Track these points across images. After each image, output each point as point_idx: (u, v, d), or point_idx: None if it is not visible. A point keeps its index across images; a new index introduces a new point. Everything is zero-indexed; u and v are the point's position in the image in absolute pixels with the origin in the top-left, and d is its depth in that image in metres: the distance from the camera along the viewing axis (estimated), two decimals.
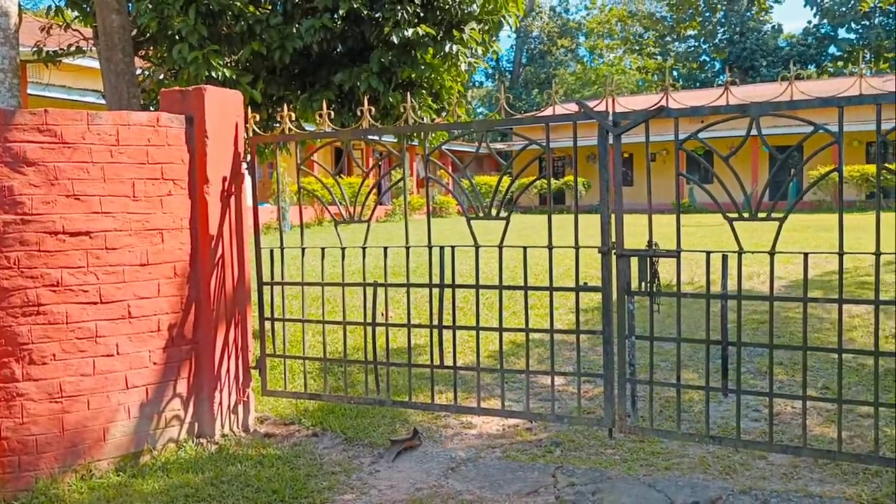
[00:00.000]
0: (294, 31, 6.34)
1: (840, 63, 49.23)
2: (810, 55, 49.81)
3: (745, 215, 3.58)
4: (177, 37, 6.22)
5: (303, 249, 4.68)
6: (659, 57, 54.91)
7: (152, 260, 4.19)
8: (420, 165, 21.74)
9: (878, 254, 3.34)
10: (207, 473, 3.97)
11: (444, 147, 4.85)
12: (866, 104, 3.34)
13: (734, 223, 3.60)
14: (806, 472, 3.80)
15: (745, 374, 5.56)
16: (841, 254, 3.40)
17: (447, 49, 6.18)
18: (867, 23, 49.44)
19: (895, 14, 48.01)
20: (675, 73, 54.96)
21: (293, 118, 4.71)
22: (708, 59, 54.22)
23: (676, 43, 55.47)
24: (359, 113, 4.50)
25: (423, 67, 6.13)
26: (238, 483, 3.83)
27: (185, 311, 4.36)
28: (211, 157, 4.42)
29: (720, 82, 50.74)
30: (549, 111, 4.58)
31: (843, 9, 47.26)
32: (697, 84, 49.98)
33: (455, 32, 6.23)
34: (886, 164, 3.57)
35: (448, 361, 4.50)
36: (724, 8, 52.11)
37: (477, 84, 56.27)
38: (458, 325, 4.33)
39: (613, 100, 3.97)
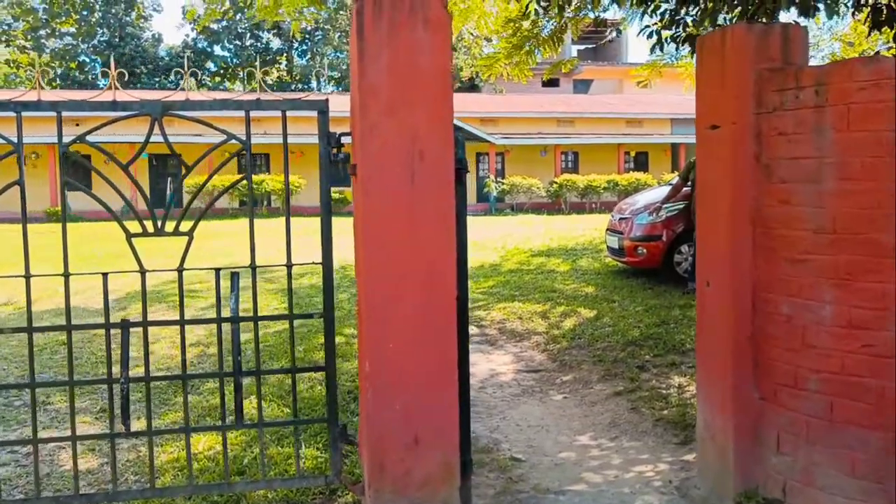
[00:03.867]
0: None
1: (218, 78, 52.55)
2: (191, 68, 51.83)
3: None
4: None
5: None
6: (32, 51, 50.32)
7: None
8: None
9: (66, 275, 3.32)
10: None
11: None
12: (45, 111, 3.21)
13: None
14: None
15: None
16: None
17: None
18: (240, 43, 53.77)
19: (260, 38, 53.41)
20: (53, 70, 51.16)
21: None
22: (88, 59, 51.98)
23: (53, 39, 51.63)
24: None
25: None
26: None
27: None
28: None
29: (102, 85, 49.14)
30: None
31: (217, 27, 50.47)
32: (76, 84, 47.54)
33: None
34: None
35: None
36: (101, 9, 50.56)
37: None
38: None
39: None
